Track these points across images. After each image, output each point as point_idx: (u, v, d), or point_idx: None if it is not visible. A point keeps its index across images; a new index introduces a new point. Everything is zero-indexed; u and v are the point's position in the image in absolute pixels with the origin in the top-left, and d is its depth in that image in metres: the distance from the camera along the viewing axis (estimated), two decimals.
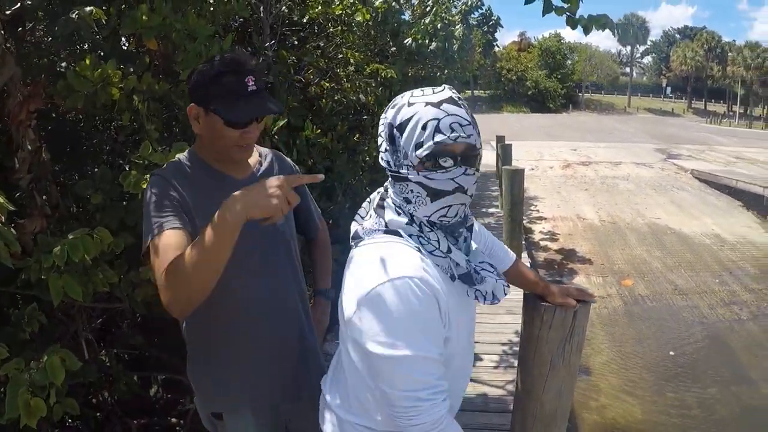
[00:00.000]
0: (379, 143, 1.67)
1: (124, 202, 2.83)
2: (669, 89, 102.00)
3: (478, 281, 1.64)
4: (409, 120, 1.53)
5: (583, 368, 7.83)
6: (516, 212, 7.76)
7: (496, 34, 18.40)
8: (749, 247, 13.88)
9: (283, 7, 5.16)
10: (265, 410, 2.30)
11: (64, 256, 2.11)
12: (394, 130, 1.58)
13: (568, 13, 3.52)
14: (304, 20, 5.58)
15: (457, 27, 10.29)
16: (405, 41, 8.43)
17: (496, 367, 5.27)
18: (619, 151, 31.28)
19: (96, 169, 3.06)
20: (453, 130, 1.50)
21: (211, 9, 3.56)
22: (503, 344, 5.72)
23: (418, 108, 1.53)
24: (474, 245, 1.76)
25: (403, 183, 1.60)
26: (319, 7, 5.57)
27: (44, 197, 2.62)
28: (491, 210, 13.26)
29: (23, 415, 1.93)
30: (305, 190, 2.55)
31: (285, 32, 5.51)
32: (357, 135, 6.48)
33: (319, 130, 4.74)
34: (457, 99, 1.55)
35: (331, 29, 6.05)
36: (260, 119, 2.07)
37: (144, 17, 2.83)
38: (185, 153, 2.18)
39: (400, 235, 1.62)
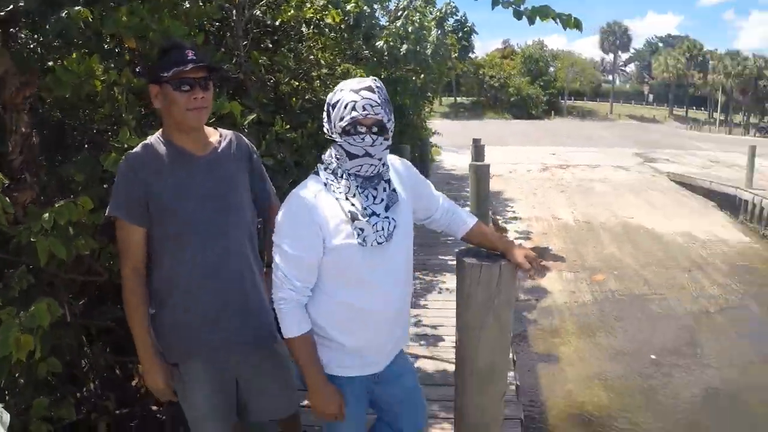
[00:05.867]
0: (323, 118, 2.30)
1: (105, 185, 3.17)
2: (651, 96, 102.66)
3: (360, 224, 2.23)
4: (338, 101, 2.19)
5: (552, 356, 8.20)
6: (483, 206, 8.05)
7: (471, 39, 18.65)
8: (720, 245, 14.39)
9: (257, 11, 5.49)
10: (213, 360, 2.68)
11: (51, 221, 2.48)
12: (330, 107, 2.23)
13: (514, 6, 3.92)
14: (277, 23, 5.90)
15: (432, 32, 10.61)
16: (377, 44, 8.79)
17: (455, 346, 5.64)
18: (598, 155, 31.75)
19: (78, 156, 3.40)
20: (365, 109, 2.14)
21: (185, 11, 3.91)
22: None
23: (345, 93, 2.18)
24: (400, 201, 2.36)
25: (334, 145, 2.28)
26: (292, 11, 5.85)
27: (34, 178, 2.96)
28: (465, 208, 13.49)
29: (14, 350, 2.28)
30: (263, 171, 2.93)
31: (259, 35, 5.84)
32: None
33: (289, 126, 5.06)
34: (375, 87, 2.19)
35: (303, 32, 6.36)
36: (205, 85, 2.44)
37: (124, 18, 3.18)
38: (156, 134, 2.57)
39: (318, 176, 2.34)
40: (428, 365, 5.35)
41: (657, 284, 11.51)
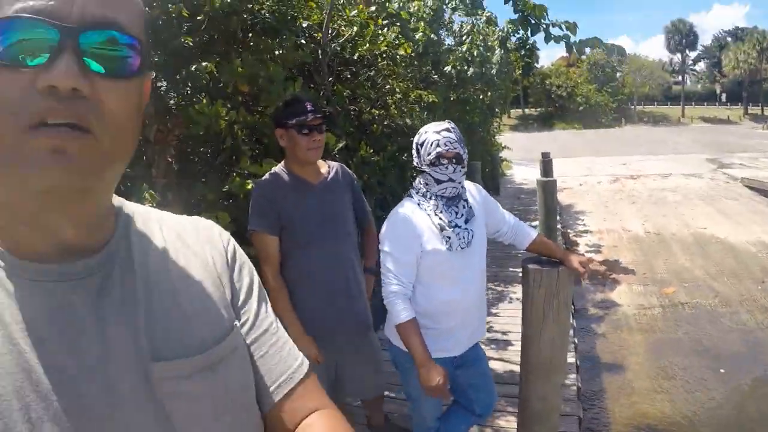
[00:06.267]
0: (413, 154, 3.02)
1: (226, 201, 3.92)
2: (724, 96, 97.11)
3: (447, 233, 2.90)
4: (425, 141, 2.92)
5: (618, 366, 8.16)
6: (550, 219, 8.51)
7: (535, 54, 18.86)
8: None
9: (337, 47, 6.18)
10: (323, 342, 3.35)
11: None
12: (418, 146, 2.97)
13: (564, 41, 4.51)
14: (355, 57, 6.55)
15: (495, 52, 11.13)
16: (445, 69, 9.41)
17: (521, 342, 6.05)
18: (670, 163, 30.99)
19: (203, 180, 4.14)
20: (446, 145, 2.86)
21: (282, 57, 4.65)
22: None
23: (429, 134, 2.91)
24: (475, 216, 3.05)
25: (423, 174, 2.99)
26: (367, 45, 6.48)
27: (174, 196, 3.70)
28: (534, 222, 13.25)
29: None
30: (361, 194, 3.65)
31: (339, 69, 6.53)
32: (405, 154, 7.36)
33: (372, 151, 5.68)
34: (451, 128, 2.93)
35: (378, 63, 7.04)
36: (321, 129, 3.17)
37: (239, 69, 3.91)
38: (279, 166, 3.31)
39: (412, 198, 3.03)
40: (497, 366, 5.82)
41: (728, 296, 11.01)
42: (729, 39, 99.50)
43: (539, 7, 4.86)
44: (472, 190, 3.19)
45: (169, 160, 3.65)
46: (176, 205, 3.45)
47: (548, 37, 4.83)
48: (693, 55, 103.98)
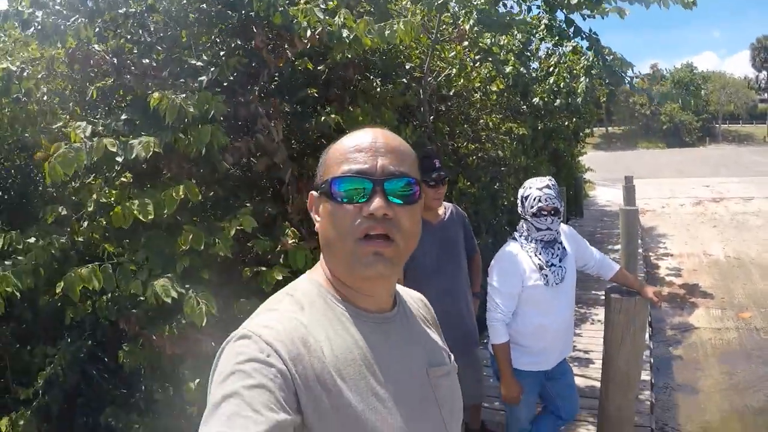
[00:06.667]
0: (517, 204, 3.63)
1: None
2: None
3: (545, 271, 3.47)
4: (528, 195, 3.53)
5: (692, 387, 8.33)
6: (631, 247, 8.81)
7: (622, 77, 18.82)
8: None
9: (434, 83, 6.69)
10: None
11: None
12: (523, 198, 3.58)
13: (646, 92, 4.96)
14: (451, 93, 7.09)
15: (580, 81, 11.43)
16: (534, 101, 9.87)
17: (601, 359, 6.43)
18: (753, 186, 30.26)
19: None
20: (546, 201, 3.46)
21: (390, 100, 5.25)
22: None
23: (533, 190, 3.52)
24: (568, 254, 3.62)
25: (526, 221, 3.60)
26: (462, 81, 7.02)
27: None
28: (616, 247, 13.14)
29: None
30: (470, 230, 4.24)
31: (438, 106, 7.06)
32: (497, 184, 8.01)
33: (468, 183, 6.23)
34: (551, 185, 3.51)
35: (472, 98, 7.55)
36: (444, 182, 3.74)
37: (360, 117, 4.51)
38: None
39: (516, 240, 3.67)
40: (579, 381, 6.09)
41: None
42: None
43: (626, 64, 5.33)
44: (565, 230, 3.78)
45: (304, 200, 4.24)
46: (310, 238, 4.05)
47: (632, 88, 5.32)
48: None
